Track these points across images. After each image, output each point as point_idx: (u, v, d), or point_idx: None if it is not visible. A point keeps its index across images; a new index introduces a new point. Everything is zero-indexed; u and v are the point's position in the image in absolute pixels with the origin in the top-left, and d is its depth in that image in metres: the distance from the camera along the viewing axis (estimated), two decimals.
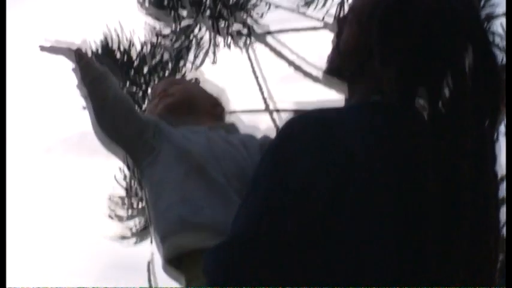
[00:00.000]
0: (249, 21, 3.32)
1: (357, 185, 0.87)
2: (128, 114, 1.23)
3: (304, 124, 0.91)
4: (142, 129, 1.22)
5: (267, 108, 2.68)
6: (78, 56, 1.23)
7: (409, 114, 0.91)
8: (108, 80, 1.23)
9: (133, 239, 3.35)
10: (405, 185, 0.89)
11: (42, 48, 1.22)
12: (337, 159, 0.88)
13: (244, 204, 0.91)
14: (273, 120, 2.36)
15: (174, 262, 1.11)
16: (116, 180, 3.49)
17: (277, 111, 2.74)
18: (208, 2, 3.38)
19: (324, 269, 0.86)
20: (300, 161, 0.88)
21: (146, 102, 3.26)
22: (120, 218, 3.38)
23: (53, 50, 1.24)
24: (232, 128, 1.33)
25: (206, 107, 1.33)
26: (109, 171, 3.51)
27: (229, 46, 3.28)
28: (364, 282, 0.84)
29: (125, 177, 3.46)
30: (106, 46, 3.13)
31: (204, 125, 1.28)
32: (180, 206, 1.11)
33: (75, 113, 3.49)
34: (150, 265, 3.01)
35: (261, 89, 2.63)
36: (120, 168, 3.47)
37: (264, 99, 2.63)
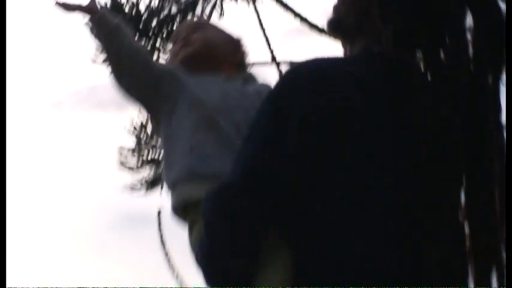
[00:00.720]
0: None
1: (356, 131, 0.87)
2: (145, 64, 1.22)
3: (303, 73, 0.91)
4: (159, 78, 1.21)
5: (273, 61, 2.66)
6: (91, 11, 1.21)
7: (407, 65, 0.92)
8: (123, 31, 1.21)
9: (143, 190, 3.42)
10: (402, 130, 0.89)
11: (57, 4, 1.21)
12: (335, 107, 0.87)
13: (241, 152, 0.93)
14: (280, 72, 2.35)
15: (181, 211, 1.13)
16: (126, 133, 3.51)
17: (284, 63, 2.73)
18: None
19: (321, 215, 0.87)
20: (298, 110, 0.87)
21: (156, 56, 3.26)
22: (130, 169, 3.43)
23: (67, 6, 1.22)
24: (250, 78, 1.31)
25: (226, 56, 1.30)
26: (119, 124, 3.53)
27: None
28: (359, 226, 0.85)
29: (135, 129, 3.50)
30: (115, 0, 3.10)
31: (222, 74, 1.26)
32: (188, 156, 1.12)
33: (85, 67, 3.52)
34: (159, 215, 3.09)
35: (268, 41, 2.61)
36: (130, 121, 3.49)
37: (271, 51, 2.60)
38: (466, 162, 0.90)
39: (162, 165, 1.31)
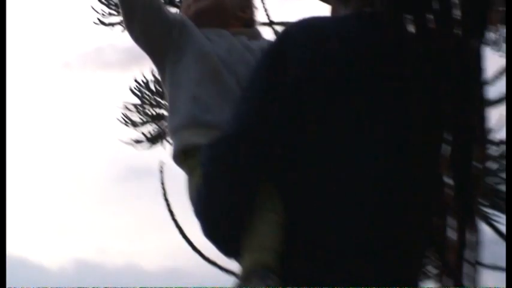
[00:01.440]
0: None
1: (345, 86, 0.92)
2: (158, 11, 1.24)
3: (299, 31, 0.96)
4: (170, 27, 1.23)
5: (270, 22, 2.69)
6: None
7: (396, 26, 0.95)
8: None
9: (147, 145, 3.53)
10: (389, 85, 0.94)
11: None
12: (328, 63, 0.91)
13: (240, 104, 0.97)
14: (276, 33, 2.38)
15: (181, 156, 1.16)
16: (131, 90, 3.63)
17: (280, 25, 2.74)
18: None
19: (311, 167, 0.92)
20: (293, 65, 0.92)
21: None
22: (134, 125, 3.53)
23: None
24: (255, 34, 1.35)
25: (235, 12, 1.33)
26: (124, 83, 3.68)
27: None
28: (345, 176, 0.90)
29: (139, 86, 3.58)
30: None
31: (230, 29, 1.29)
32: (191, 104, 1.17)
33: (92, 28, 3.56)
34: (161, 169, 3.20)
35: (264, 4, 2.64)
36: (135, 80, 3.63)
37: (265, 10, 2.63)
38: (450, 118, 0.95)
39: (167, 112, 1.34)
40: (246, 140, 0.93)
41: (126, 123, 3.56)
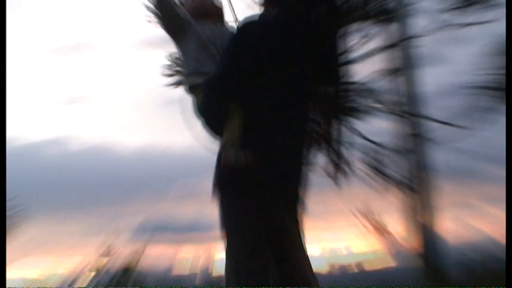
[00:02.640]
0: None
1: (272, 51, 1.76)
2: (173, 11, 2.14)
3: (250, 23, 1.86)
4: (182, 21, 2.14)
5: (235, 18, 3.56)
6: None
7: (292, 22, 1.83)
8: None
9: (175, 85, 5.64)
10: (297, 51, 1.79)
11: None
12: (266, 40, 1.78)
13: (219, 62, 1.89)
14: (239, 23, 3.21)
15: (190, 89, 2.07)
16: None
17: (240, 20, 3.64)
18: None
19: (256, 94, 1.76)
20: (247, 41, 1.78)
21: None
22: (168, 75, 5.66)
23: None
24: (225, 24, 2.30)
25: (214, 11, 2.28)
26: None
27: None
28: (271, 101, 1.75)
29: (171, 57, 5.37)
30: None
31: (211, 22, 2.21)
32: (194, 62, 2.09)
33: (144, 23, 5.47)
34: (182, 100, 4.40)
35: (232, 8, 3.50)
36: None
37: (234, 13, 3.48)
38: (321, 79, 1.83)
39: (182, 66, 2.31)
40: (222, 79, 1.79)
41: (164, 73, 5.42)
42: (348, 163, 1.77)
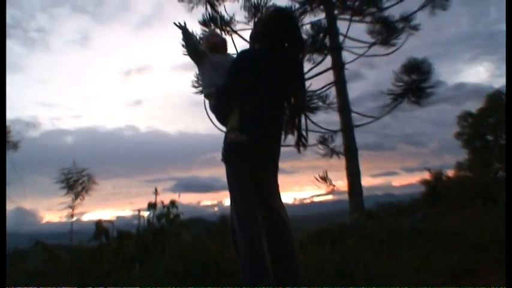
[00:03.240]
0: None
1: (260, 69, 2.86)
2: (195, 47, 3.23)
3: (245, 51, 3.07)
4: (200, 52, 3.22)
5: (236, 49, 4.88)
6: (185, 30, 3.16)
7: (272, 52, 2.98)
8: (192, 38, 3.23)
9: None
10: (271, 68, 2.89)
11: (174, 23, 3.20)
12: (254, 62, 2.92)
13: (227, 77, 3.03)
14: (237, 51, 3.61)
15: (207, 96, 3.15)
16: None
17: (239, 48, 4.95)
18: None
19: (246, 95, 2.86)
20: (242, 64, 2.92)
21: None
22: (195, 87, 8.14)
23: (180, 27, 3.17)
24: (228, 54, 3.38)
25: (222, 46, 3.39)
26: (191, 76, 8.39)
27: None
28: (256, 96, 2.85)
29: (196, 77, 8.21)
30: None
31: (221, 53, 3.31)
32: (209, 78, 3.16)
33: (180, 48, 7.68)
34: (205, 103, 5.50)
35: (235, 45, 4.93)
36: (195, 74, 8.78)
37: (235, 46, 4.85)
38: (292, 88, 2.93)
39: (201, 83, 3.39)
40: (226, 89, 2.91)
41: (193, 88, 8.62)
42: (306, 141, 3.00)
